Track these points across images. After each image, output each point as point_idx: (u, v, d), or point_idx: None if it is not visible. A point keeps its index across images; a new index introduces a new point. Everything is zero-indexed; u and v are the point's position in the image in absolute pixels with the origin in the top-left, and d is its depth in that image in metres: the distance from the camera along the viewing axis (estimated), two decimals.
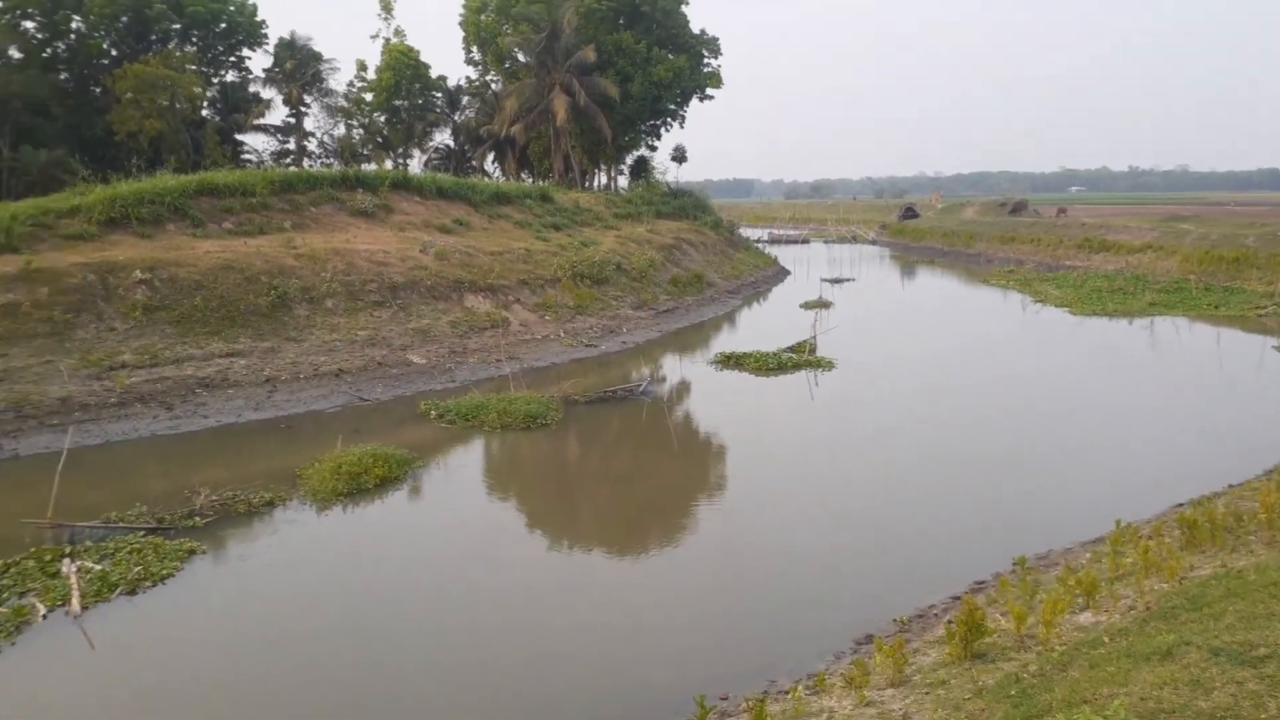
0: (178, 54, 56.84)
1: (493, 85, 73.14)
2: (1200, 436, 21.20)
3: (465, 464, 19.73)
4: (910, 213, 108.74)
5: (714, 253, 55.21)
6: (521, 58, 64.78)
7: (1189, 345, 33.52)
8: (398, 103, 69.01)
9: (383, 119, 70.64)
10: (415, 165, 71.83)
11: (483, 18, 69.27)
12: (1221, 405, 24.42)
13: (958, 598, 12.11)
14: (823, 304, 42.83)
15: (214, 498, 15.89)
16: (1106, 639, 7.26)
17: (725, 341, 34.76)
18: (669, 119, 68.65)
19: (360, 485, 16.83)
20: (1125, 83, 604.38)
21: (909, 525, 15.63)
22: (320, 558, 14.49)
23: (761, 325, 40.28)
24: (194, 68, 57.58)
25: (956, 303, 51.63)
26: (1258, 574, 7.77)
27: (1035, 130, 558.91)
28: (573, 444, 21.26)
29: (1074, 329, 37.50)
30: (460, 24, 71.49)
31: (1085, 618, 9.78)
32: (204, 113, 60.55)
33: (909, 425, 22.34)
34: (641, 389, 25.08)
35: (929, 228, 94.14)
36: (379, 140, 71.03)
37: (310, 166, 61.82)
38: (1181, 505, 15.30)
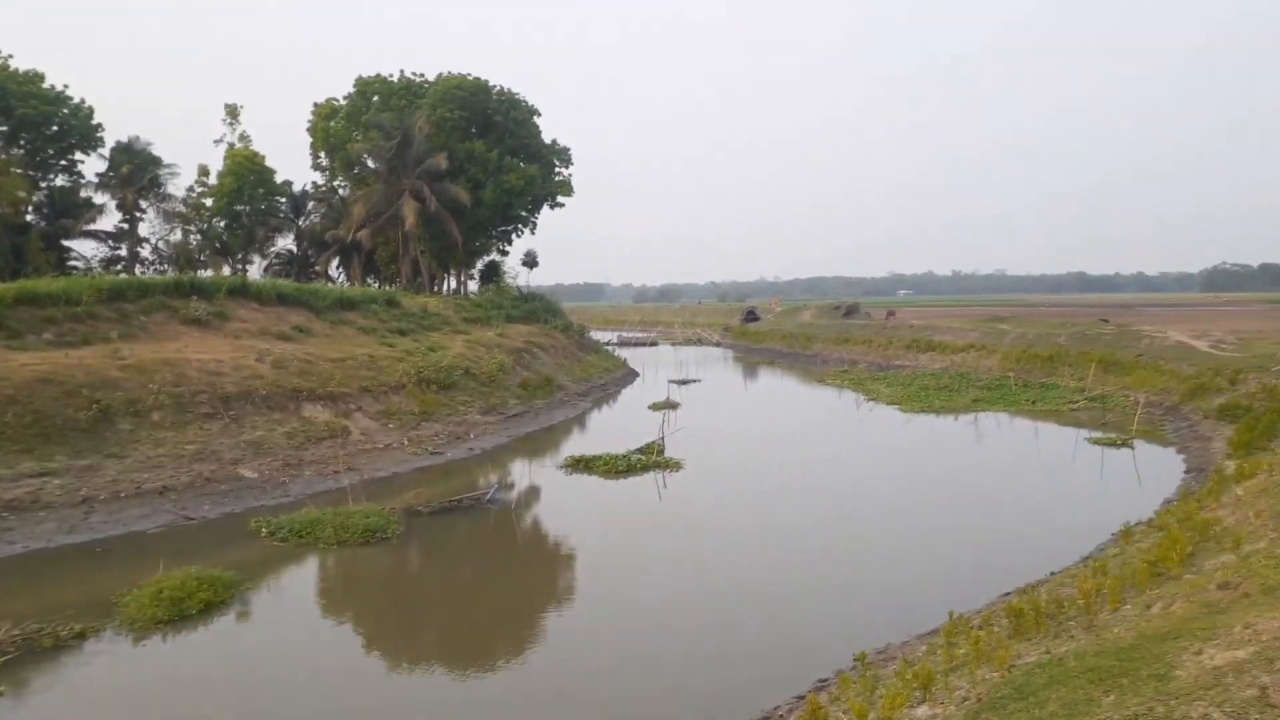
0: (2, 156, 54.11)
1: (340, 190, 72.56)
2: (1024, 525, 22.37)
3: (297, 584, 18.80)
4: (752, 316, 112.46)
5: (564, 356, 55.48)
6: (371, 164, 64.67)
7: (1010, 439, 35.54)
8: (239, 208, 67.45)
9: (222, 224, 68.76)
10: (255, 271, 70.00)
11: (331, 124, 69.18)
12: (1042, 495, 25.93)
13: (801, 697, 12.21)
14: (670, 405, 43.43)
15: (15, 632, 14.54)
16: None
17: (575, 444, 34.70)
18: (520, 225, 69.61)
19: (183, 611, 15.75)
20: (948, 193, 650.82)
21: (754, 625, 15.80)
22: (135, 692, 13.41)
23: (611, 427, 40.47)
24: (20, 171, 54.86)
25: (796, 402, 53.31)
26: (1076, 660, 8.14)
27: (867, 238, 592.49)
28: (414, 557, 20.59)
29: (904, 425, 39.24)
30: (308, 129, 71.08)
31: (922, 711, 9.97)
32: (29, 218, 57.57)
33: (753, 524, 22.76)
34: (488, 497, 24.65)
35: (769, 330, 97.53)
36: (217, 246, 68.95)
37: (143, 274, 59.30)
38: (1009, 594, 15.98)
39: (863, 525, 22.66)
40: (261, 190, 67.67)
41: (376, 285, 68.24)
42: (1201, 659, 6.31)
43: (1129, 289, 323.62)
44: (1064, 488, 26.92)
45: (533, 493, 27.29)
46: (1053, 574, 17.25)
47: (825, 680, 13.05)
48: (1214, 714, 5.05)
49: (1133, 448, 31.74)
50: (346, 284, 67.58)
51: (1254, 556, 12.23)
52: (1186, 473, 27.03)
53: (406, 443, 31.29)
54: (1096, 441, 32.84)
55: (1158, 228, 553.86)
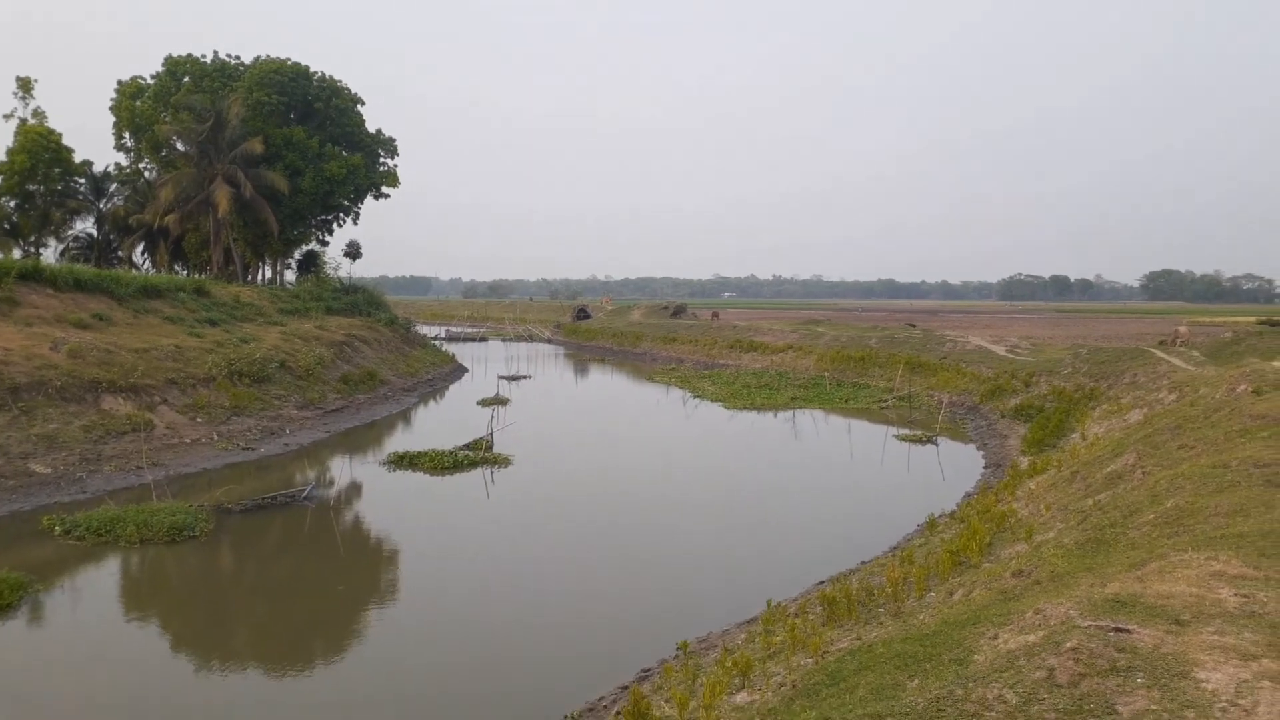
0: None
1: (146, 173, 68.05)
2: (838, 517, 23.44)
3: (95, 585, 17.53)
4: (583, 314, 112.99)
5: (389, 350, 54.04)
6: (181, 147, 60.98)
7: (825, 435, 37.09)
8: (32, 187, 62.05)
9: (13, 204, 63.19)
10: (50, 255, 64.71)
11: (138, 103, 64.78)
12: (854, 489, 27.23)
13: (625, 687, 12.34)
14: (500, 401, 43.03)
15: None
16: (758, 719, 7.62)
17: (400, 441, 33.85)
18: (342, 214, 67.36)
19: None
20: (774, 208, 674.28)
21: (580, 617, 15.89)
22: None
23: (438, 423, 39.74)
24: None
25: (625, 398, 53.90)
26: (884, 647, 8.54)
27: (694, 241, 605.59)
28: (224, 556, 19.56)
29: (727, 422, 40.33)
30: (111, 108, 66.35)
31: (741, 698, 10.24)
32: None
33: (581, 518, 22.92)
34: (305, 494, 23.69)
35: (600, 328, 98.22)
36: (6, 227, 63.32)
37: None
38: (823, 583, 16.67)
39: (686, 518, 23.15)
40: (58, 170, 62.48)
41: (185, 273, 64.46)
42: (997, 643, 6.74)
43: (934, 296, 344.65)
44: (874, 482, 28.32)
45: (353, 490, 26.44)
46: (864, 563, 18.13)
47: (649, 670, 13.25)
48: (1007, 695, 5.39)
49: (937, 444, 33.72)
50: (152, 271, 63.59)
51: (1044, 546, 13.21)
52: (985, 468, 28.96)
53: (216, 437, 29.71)
54: (904, 438, 34.71)
55: (960, 240, 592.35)
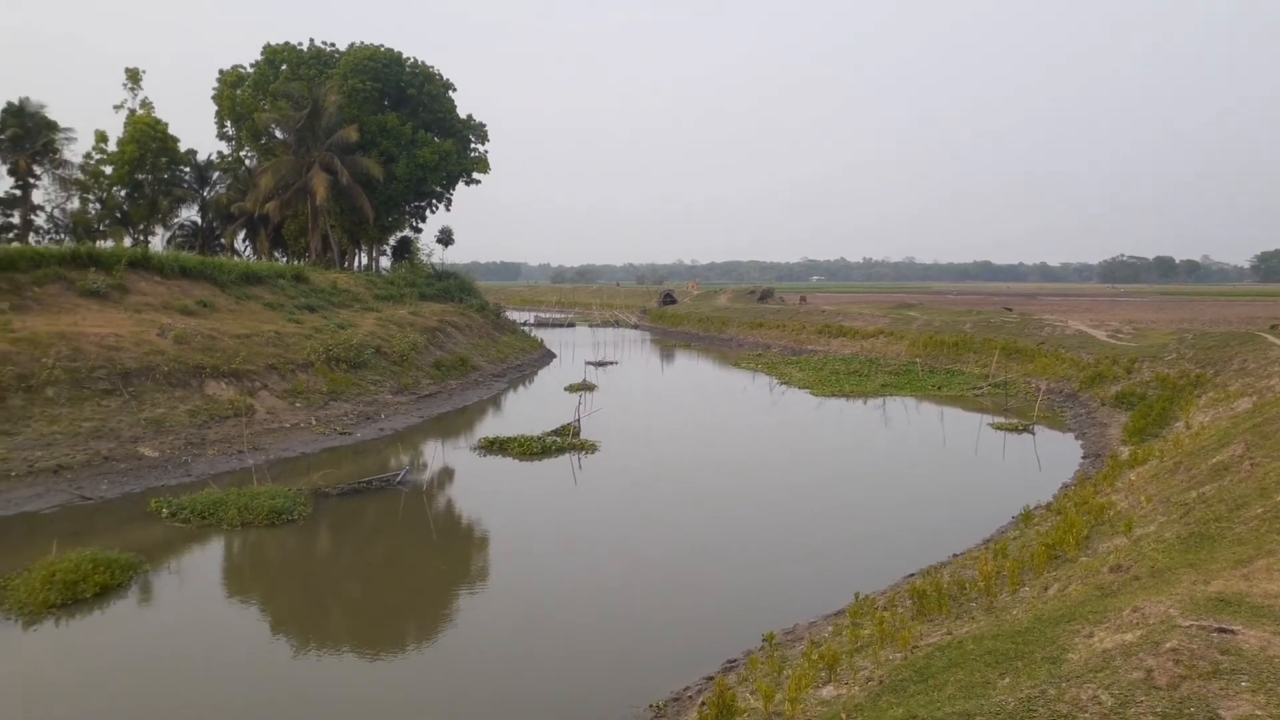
0: None
1: (247, 161, 70.31)
2: (929, 508, 22.97)
3: (200, 566, 18.26)
4: (669, 299, 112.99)
5: (480, 335, 54.93)
6: (279, 134, 62.79)
7: (917, 424, 36.42)
8: (140, 176, 64.71)
9: (123, 193, 65.98)
10: (158, 243, 67.47)
11: (238, 92, 66.93)
12: (946, 479, 26.64)
13: (711, 678, 12.36)
14: (587, 386, 43.42)
15: None
16: (844, 715, 7.56)
17: (490, 426, 34.42)
18: (435, 201, 68.49)
19: (77, 595, 15.19)
20: (861, 185, 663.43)
21: (667, 607, 15.92)
22: (24, 679, 12.86)
23: (527, 409, 40.25)
24: None
25: (710, 384, 53.76)
26: (975, 643, 8.37)
27: (781, 224, 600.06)
28: (322, 540, 20.18)
29: (816, 409, 39.92)
30: (214, 98, 68.74)
31: (828, 691, 10.17)
32: None
33: (668, 507, 22.94)
34: (399, 478, 24.29)
35: (686, 313, 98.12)
36: (117, 216, 66.21)
37: (38, 243, 56.64)
38: (913, 576, 16.41)
39: (774, 507, 23.00)
40: (164, 159, 65.07)
41: (285, 260, 66.43)
42: (1092, 642, 6.55)
43: (1032, 278, 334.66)
44: (968, 472, 27.71)
45: (445, 474, 26.98)
46: (955, 556, 17.75)
47: (734, 661, 13.22)
48: (1102, 695, 5.24)
49: (1034, 433, 32.84)
50: (253, 258, 65.67)
51: (1144, 540, 12.76)
52: (1084, 458, 28.08)
53: (314, 422, 30.63)
54: (999, 427, 33.88)
55: (1062, 221, 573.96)
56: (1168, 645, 5.55)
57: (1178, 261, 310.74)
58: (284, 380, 32.34)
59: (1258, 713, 4.91)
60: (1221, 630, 5.78)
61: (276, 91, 62.22)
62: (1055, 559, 13.94)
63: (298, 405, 31.44)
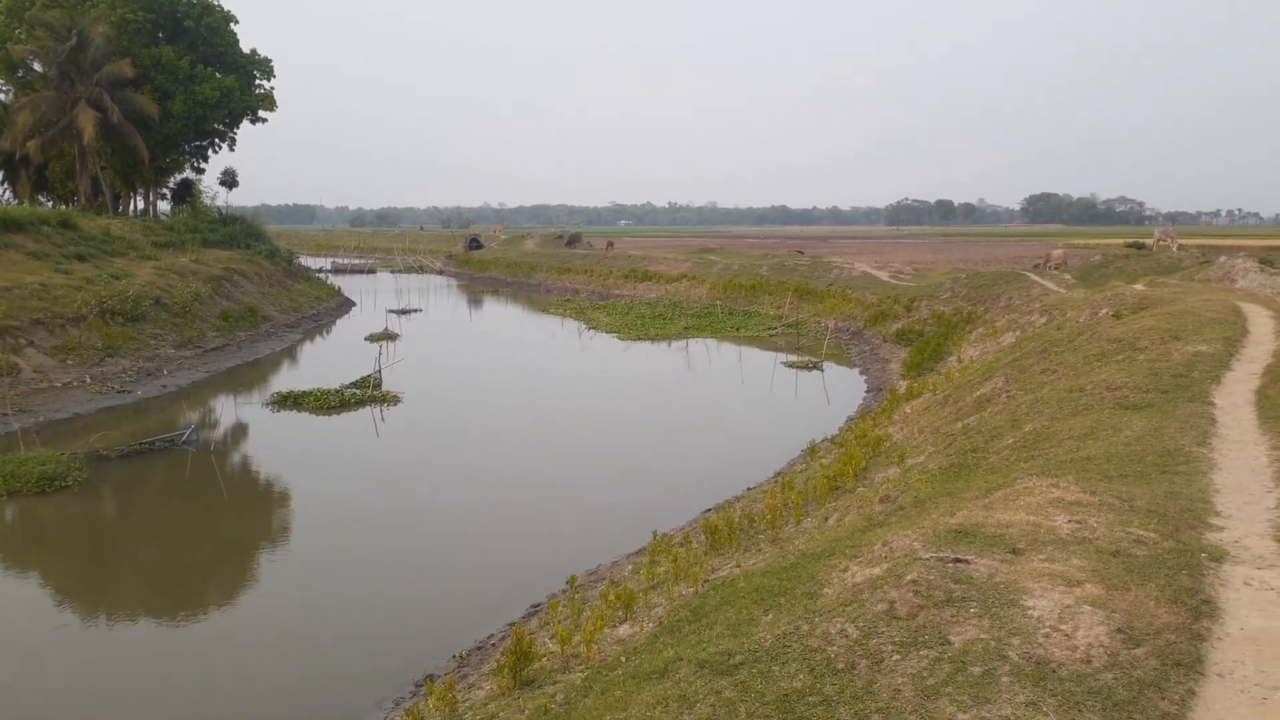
0: None
1: (1, 96, 63.59)
2: (728, 445, 23.96)
3: None
4: (475, 244, 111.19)
5: (270, 284, 52.37)
6: (39, 67, 57.07)
7: (716, 364, 37.70)
8: None
9: None
10: None
11: None
12: (744, 416, 27.83)
13: (513, 624, 12.52)
14: (389, 336, 42.32)
15: None
16: (624, 658, 7.85)
17: (284, 380, 33.07)
18: (217, 140, 64.37)
19: None
20: (668, 135, 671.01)
21: (474, 556, 16.05)
22: None
23: (324, 360, 38.94)
24: None
25: (519, 331, 53.66)
26: (745, 581, 8.80)
27: (589, 167, 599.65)
28: (101, 505, 18.98)
29: (621, 353, 40.63)
30: None
31: (624, 630, 10.49)
32: None
33: (475, 456, 22.96)
34: (185, 438, 23.05)
35: (493, 259, 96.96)
36: None
37: None
38: (709, 511, 17.08)
39: (581, 451, 23.42)
40: None
41: (50, 205, 60.91)
42: (846, 576, 7.09)
43: (824, 222, 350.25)
44: (763, 409, 29.00)
45: (236, 432, 25.84)
46: (749, 490, 18.56)
47: (538, 605, 13.46)
48: (849, 629, 5.70)
49: (823, 370, 34.66)
50: (13, 202, 59.89)
51: (912, 470, 13.77)
52: (867, 392, 29.92)
53: (89, 380, 28.54)
54: (792, 365, 35.55)
55: (851, 167, 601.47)
56: (909, 577, 6.09)
57: (956, 205, 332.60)
58: (53, 336, 29.87)
59: (982, 636, 5.48)
60: (957, 560, 6.38)
61: (34, 19, 56.32)
62: (836, 490, 14.81)
63: (70, 363, 29.17)
